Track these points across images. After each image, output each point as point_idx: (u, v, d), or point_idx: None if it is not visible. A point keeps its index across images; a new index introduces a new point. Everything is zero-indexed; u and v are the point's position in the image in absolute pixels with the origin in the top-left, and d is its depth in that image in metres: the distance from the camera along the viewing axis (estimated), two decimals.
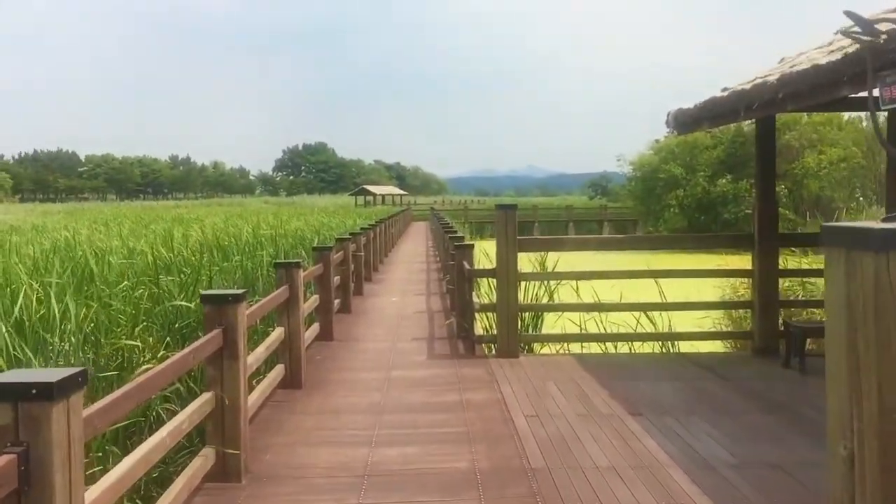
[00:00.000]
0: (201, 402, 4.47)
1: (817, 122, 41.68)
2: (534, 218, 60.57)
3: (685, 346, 9.19)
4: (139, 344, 6.39)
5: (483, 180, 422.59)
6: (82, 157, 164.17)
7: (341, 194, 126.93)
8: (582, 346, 9.17)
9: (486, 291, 10.90)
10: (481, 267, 12.36)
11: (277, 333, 6.86)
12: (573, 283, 10.22)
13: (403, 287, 15.66)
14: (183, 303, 7.22)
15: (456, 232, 15.04)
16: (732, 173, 44.15)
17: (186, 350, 4.13)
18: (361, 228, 17.61)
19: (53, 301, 6.10)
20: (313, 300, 9.19)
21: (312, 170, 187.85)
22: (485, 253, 14.13)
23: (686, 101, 8.25)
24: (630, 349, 9.33)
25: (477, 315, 9.26)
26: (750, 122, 29.11)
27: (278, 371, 6.89)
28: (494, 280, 8.50)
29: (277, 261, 7.56)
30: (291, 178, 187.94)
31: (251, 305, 5.56)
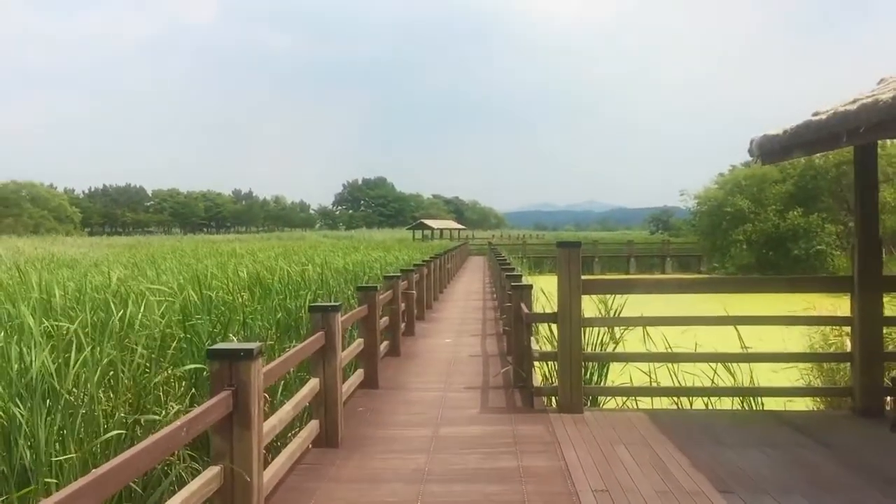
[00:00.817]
0: (206, 479, 3.74)
1: (892, 155, 39.82)
2: (594, 253, 59.22)
3: (770, 402, 8.17)
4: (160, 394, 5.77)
5: (542, 214, 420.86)
6: (149, 192, 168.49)
7: (399, 228, 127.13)
8: (653, 400, 8.22)
9: (545, 336, 10.02)
10: (540, 308, 11.53)
11: (311, 386, 6.12)
12: (641, 328, 9.30)
13: (458, 327, 14.85)
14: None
15: (513, 269, 14.20)
16: (803, 207, 42.44)
17: (180, 421, 3.40)
18: (414, 265, 16.89)
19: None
20: (357, 345, 8.45)
21: (372, 204, 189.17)
22: (542, 291, 13.26)
23: (752, 135, 7.37)
24: (707, 404, 8.34)
25: (536, 363, 8.42)
26: (821, 155, 27.43)
27: (311, 428, 6.14)
28: (555, 325, 7.64)
29: (312, 304, 6.79)
30: (351, 212, 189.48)
31: (282, 354, 4.81)
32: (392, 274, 11.39)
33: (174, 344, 6.68)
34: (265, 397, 4.91)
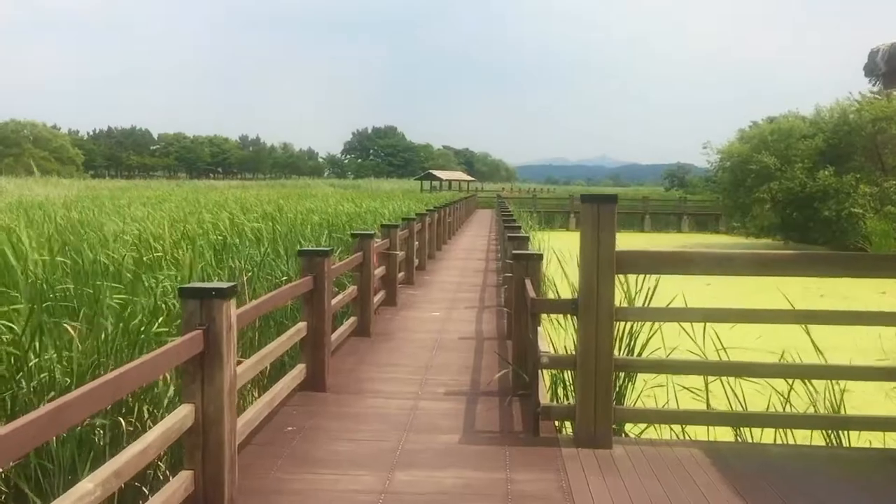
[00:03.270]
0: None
1: None
2: None
3: (870, 435, 5.78)
4: None
5: (553, 168, 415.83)
6: (155, 135, 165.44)
7: (408, 179, 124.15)
8: (709, 431, 5.80)
9: (558, 327, 7.53)
10: (551, 276, 9.11)
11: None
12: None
13: (452, 295, 12.44)
14: None
15: (518, 229, 11.68)
16: (834, 165, 39.44)
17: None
18: (403, 219, 14.41)
19: None
20: (295, 331, 6.06)
21: (381, 153, 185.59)
22: (553, 252, 10.82)
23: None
24: (781, 437, 5.94)
25: (545, 371, 6.02)
26: (857, 109, 24.64)
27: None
28: (574, 317, 5.20)
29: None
30: (360, 160, 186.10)
31: None
32: (362, 231, 8.92)
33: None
34: None
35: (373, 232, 8.73)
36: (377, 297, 10.23)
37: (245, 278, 8.12)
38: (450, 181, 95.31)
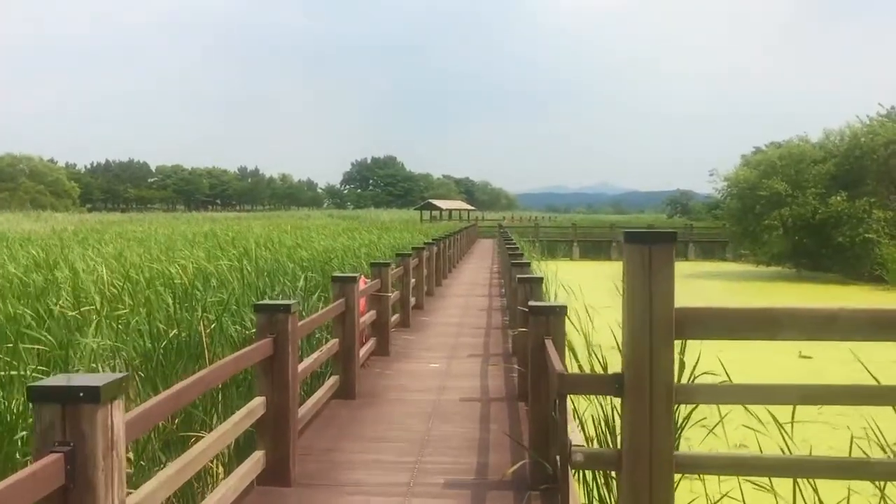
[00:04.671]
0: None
1: None
2: (611, 238, 55.18)
3: None
4: None
5: (553, 196, 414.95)
6: (153, 168, 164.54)
7: (408, 209, 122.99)
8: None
9: (583, 345, 6.04)
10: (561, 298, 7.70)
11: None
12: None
13: (453, 339, 11.04)
14: None
15: (528, 265, 10.25)
16: (846, 190, 38.16)
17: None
18: (398, 255, 13.01)
19: None
20: (247, 412, 4.65)
21: (380, 183, 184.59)
22: (556, 279, 9.48)
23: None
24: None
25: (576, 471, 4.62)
26: (869, 132, 23.53)
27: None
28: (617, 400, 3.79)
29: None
30: (359, 191, 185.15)
31: None
32: (342, 275, 7.49)
33: None
34: None
35: (356, 275, 7.35)
36: (366, 347, 8.84)
37: (205, 332, 6.73)
38: (450, 210, 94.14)
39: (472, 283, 20.53)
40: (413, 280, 13.15)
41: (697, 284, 34.01)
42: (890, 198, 38.29)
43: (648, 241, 3.69)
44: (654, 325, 3.66)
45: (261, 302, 5.51)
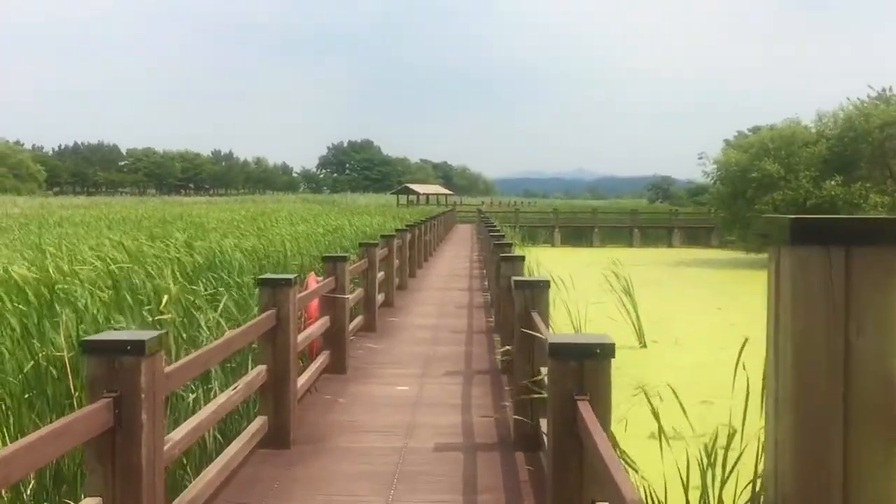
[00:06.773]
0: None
1: None
2: (593, 223, 53.32)
3: None
4: None
5: (531, 181, 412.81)
6: (124, 151, 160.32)
7: (385, 193, 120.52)
8: None
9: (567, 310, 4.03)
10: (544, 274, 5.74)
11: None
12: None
13: (428, 348, 9.04)
14: None
15: (522, 265, 8.17)
16: (840, 174, 36.54)
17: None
18: (361, 244, 10.89)
19: None
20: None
21: (357, 167, 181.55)
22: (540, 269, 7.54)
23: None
24: None
25: None
26: (865, 115, 21.68)
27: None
28: None
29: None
30: (335, 175, 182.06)
31: None
32: (274, 276, 5.37)
33: None
34: None
35: (291, 277, 5.29)
36: (314, 367, 6.80)
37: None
38: (427, 195, 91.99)
39: (451, 273, 18.48)
40: (381, 274, 11.11)
41: (690, 273, 32.32)
42: (885, 182, 36.75)
43: (843, 238, 1.70)
44: (854, 410, 1.70)
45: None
